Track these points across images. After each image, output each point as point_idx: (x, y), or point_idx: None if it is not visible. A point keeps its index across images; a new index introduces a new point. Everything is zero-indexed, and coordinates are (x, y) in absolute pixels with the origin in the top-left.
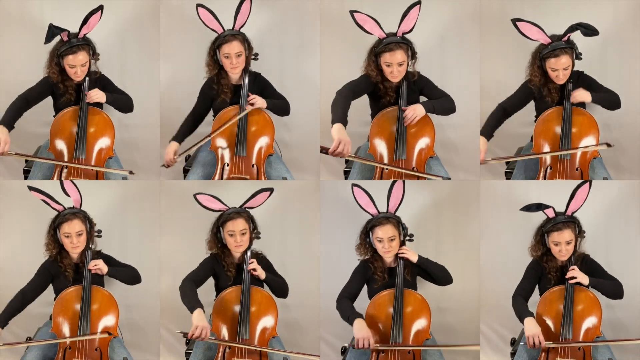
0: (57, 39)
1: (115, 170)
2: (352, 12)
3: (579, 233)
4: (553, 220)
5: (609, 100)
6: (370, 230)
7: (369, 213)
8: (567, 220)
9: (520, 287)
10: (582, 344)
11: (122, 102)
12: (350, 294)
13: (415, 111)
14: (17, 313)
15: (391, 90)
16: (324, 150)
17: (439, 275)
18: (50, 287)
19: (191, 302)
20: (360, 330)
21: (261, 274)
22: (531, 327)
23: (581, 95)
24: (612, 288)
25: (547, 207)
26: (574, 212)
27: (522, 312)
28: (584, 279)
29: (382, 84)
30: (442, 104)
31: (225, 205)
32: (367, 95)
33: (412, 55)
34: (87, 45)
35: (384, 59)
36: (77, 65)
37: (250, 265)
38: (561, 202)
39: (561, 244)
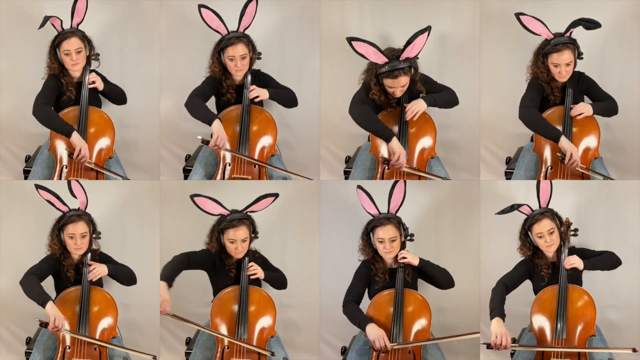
0: (53, 32)
1: (110, 172)
2: (349, 40)
3: (560, 224)
4: (531, 215)
5: (608, 109)
6: (371, 231)
7: (370, 214)
8: (544, 211)
9: (506, 276)
10: (580, 349)
11: (117, 95)
12: (355, 296)
13: (416, 105)
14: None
15: (394, 101)
16: (386, 161)
17: (441, 279)
18: (52, 286)
19: (169, 276)
20: (374, 332)
21: (260, 274)
22: (496, 326)
23: (582, 108)
24: (608, 261)
25: (522, 205)
26: (547, 204)
27: (495, 306)
28: (579, 264)
29: (386, 96)
30: (443, 96)
31: (226, 209)
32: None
33: (416, 72)
34: (79, 32)
35: (387, 83)
36: (71, 50)
37: (250, 270)
38: (561, 202)
39: (544, 235)
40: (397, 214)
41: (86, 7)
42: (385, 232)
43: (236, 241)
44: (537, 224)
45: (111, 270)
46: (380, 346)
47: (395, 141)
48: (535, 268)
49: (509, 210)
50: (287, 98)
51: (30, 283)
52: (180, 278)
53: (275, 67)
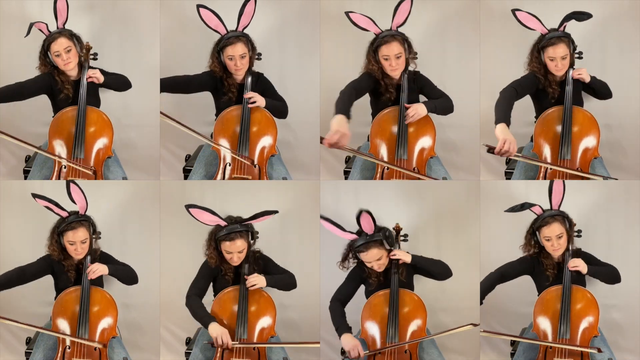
0: (42, 37)
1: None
2: (347, 13)
3: (570, 227)
4: (541, 216)
5: (604, 86)
6: (357, 254)
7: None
8: (555, 214)
9: (507, 265)
10: (582, 349)
11: (120, 83)
12: (344, 295)
13: (417, 110)
14: (10, 286)
15: (392, 87)
16: (321, 141)
17: (436, 272)
18: (52, 286)
19: (203, 318)
20: (348, 342)
21: (262, 283)
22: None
23: (582, 71)
24: (610, 273)
25: (533, 205)
26: (559, 206)
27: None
28: (583, 267)
29: (383, 81)
30: (442, 103)
31: (221, 219)
32: (368, 94)
33: (409, 48)
34: (66, 31)
35: (381, 53)
36: (61, 50)
37: (249, 284)
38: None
39: (552, 239)
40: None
41: (67, 5)
42: (371, 256)
43: (233, 252)
44: (547, 226)
45: (111, 270)
46: (354, 356)
47: (335, 119)
48: (540, 266)
49: (519, 209)
50: (278, 111)
51: (6, 274)
52: (179, 277)
53: (276, 67)
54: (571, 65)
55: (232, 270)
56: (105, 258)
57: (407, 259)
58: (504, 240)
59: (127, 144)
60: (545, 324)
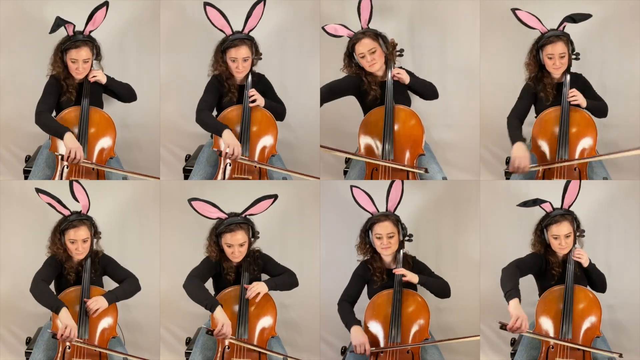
0: (62, 34)
1: (114, 170)
2: (323, 28)
3: (577, 228)
4: (551, 214)
5: (599, 109)
6: (369, 229)
7: (368, 212)
8: (565, 213)
9: (519, 260)
10: (584, 347)
11: (124, 90)
12: (350, 296)
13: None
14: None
15: (375, 84)
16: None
17: (437, 292)
18: (51, 286)
19: (209, 300)
20: (357, 337)
21: (263, 290)
22: (515, 308)
23: (578, 96)
24: (601, 280)
25: (544, 201)
26: (569, 206)
27: (512, 287)
28: (586, 260)
29: (366, 78)
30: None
31: (223, 212)
32: (354, 95)
33: (384, 42)
34: (90, 42)
35: (357, 52)
36: (79, 60)
37: (251, 293)
38: (559, 202)
39: (560, 237)
40: (396, 213)
41: (104, 17)
42: (383, 228)
43: (233, 245)
44: (556, 225)
45: (112, 298)
46: (360, 352)
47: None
48: (547, 265)
49: (532, 204)
50: (276, 113)
51: (42, 290)
52: (179, 277)
53: (276, 67)
54: (569, 65)
55: (233, 270)
56: (105, 260)
57: (414, 280)
58: (504, 240)
59: (127, 144)
60: (547, 323)
